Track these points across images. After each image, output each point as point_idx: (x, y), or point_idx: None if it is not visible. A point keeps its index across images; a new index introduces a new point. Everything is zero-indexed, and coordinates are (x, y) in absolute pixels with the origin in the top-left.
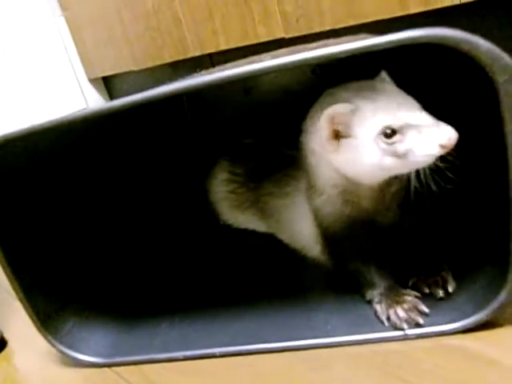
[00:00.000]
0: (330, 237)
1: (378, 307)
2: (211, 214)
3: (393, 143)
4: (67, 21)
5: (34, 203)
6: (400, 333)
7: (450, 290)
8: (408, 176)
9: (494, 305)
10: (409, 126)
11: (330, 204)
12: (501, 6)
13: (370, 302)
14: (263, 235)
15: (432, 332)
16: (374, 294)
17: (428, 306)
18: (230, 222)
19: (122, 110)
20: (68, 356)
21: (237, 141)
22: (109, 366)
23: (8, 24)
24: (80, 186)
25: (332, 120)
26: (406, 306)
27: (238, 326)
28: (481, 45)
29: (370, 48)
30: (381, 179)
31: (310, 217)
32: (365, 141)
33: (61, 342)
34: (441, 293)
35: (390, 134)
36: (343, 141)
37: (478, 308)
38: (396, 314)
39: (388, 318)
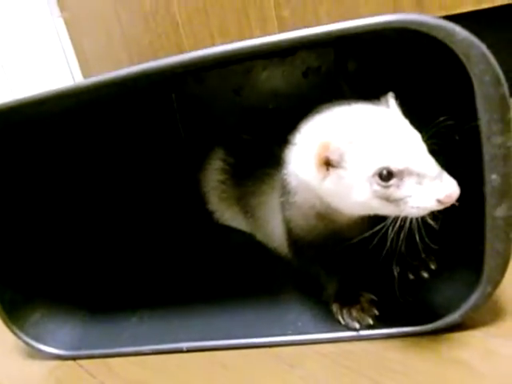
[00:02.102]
0: (296, 242)
1: (333, 307)
2: (197, 210)
3: (387, 187)
4: (65, 22)
5: (4, 195)
6: (370, 332)
7: (433, 267)
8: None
9: (467, 306)
10: (409, 172)
11: (303, 219)
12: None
13: (327, 302)
14: (244, 234)
15: (404, 332)
16: (331, 294)
17: (401, 307)
18: (217, 215)
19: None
20: (33, 348)
21: (234, 134)
22: (74, 358)
23: (6, 24)
24: (59, 179)
25: (325, 148)
26: (358, 306)
27: (208, 322)
28: (457, 32)
29: (345, 31)
30: (364, 214)
31: (281, 218)
32: (357, 177)
33: (27, 334)
34: (425, 274)
35: (386, 176)
36: (333, 170)
37: (451, 309)
38: (349, 313)
39: (343, 318)
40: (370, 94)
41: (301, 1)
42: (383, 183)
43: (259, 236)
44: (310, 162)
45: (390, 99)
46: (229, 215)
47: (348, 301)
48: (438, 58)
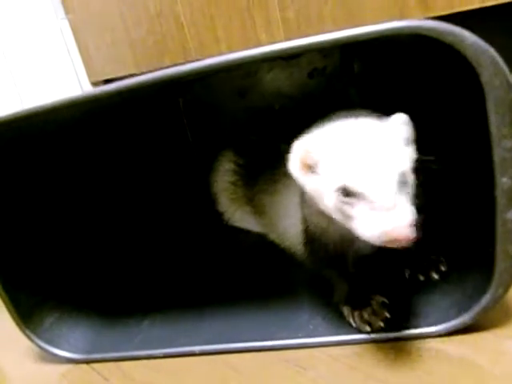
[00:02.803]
0: (311, 242)
1: (344, 309)
2: (206, 213)
3: (345, 203)
4: (70, 23)
5: (16, 199)
6: (382, 335)
7: (443, 269)
8: None
9: (477, 309)
10: (363, 197)
11: (316, 216)
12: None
13: (338, 305)
14: (254, 236)
15: (415, 334)
16: (342, 297)
17: (412, 309)
18: (227, 216)
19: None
20: (46, 351)
21: (242, 135)
22: (87, 362)
23: (11, 26)
24: (71, 184)
25: (303, 153)
26: (370, 309)
27: (219, 325)
28: (466, 37)
29: (354, 38)
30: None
31: (298, 217)
32: (326, 186)
33: (40, 338)
34: (435, 275)
35: (345, 193)
36: (311, 175)
37: (462, 311)
38: (360, 316)
39: (354, 321)
40: (376, 95)
41: (305, 2)
42: (343, 198)
43: (272, 235)
44: (295, 166)
45: (396, 119)
46: (239, 216)
47: (359, 304)
48: (444, 61)
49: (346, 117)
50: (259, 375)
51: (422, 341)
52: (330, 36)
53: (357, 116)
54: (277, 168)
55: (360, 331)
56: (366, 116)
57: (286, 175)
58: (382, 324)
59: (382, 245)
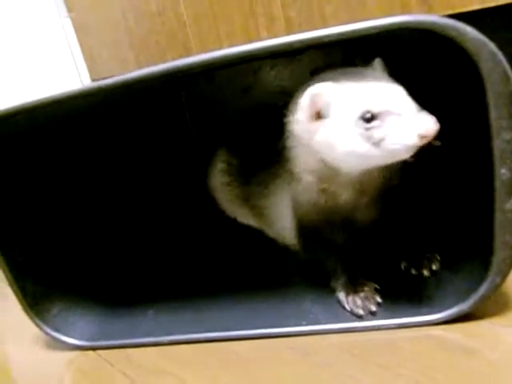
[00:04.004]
0: (303, 227)
1: (339, 295)
2: (208, 206)
3: (370, 128)
4: (73, 22)
5: (25, 188)
6: (382, 322)
7: (434, 268)
8: (390, 170)
9: (476, 297)
10: (389, 113)
11: (307, 192)
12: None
13: (334, 290)
14: (256, 229)
15: (414, 322)
16: (338, 283)
17: (411, 297)
18: (230, 213)
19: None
20: (54, 338)
21: (235, 133)
22: (94, 348)
23: (14, 24)
24: (76, 177)
25: (314, 99)
26: (362, 294)
27: (224, 314)
28: (468, 32)
29: (357, 32)
30: (358, 168)
31: (290, 215)
32: (343, 123)
33: (48, 325)
34: (425, 272)
35: (369, 118)
36: (323, 122)
37: (460, 300)
38: (354, 301)
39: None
40: None
41: (307, 1)
42: (366, 125)
43: (270, 231)
44: (302, 117)
45: (377, 63)
46: (240, 214)
47: (353, 289)
48: (444, 57)
49: (337, 70)
50: (262, 362)
51: (422, 328)
52: (334, 30)
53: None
54: (269, 166)
55: (353, 314)
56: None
57: (278, 171)
58: (373, 308)
59: (416, 147)
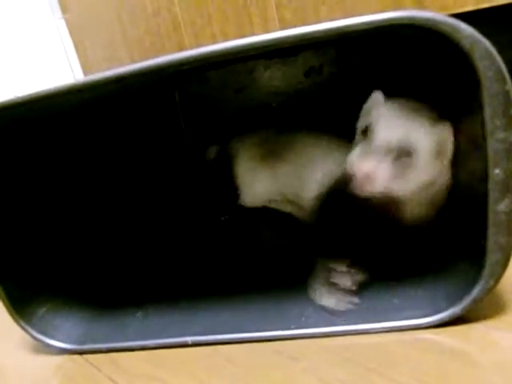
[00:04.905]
0: (327, 204)
1: (318, 289)
2: (198, 207)
3: None
4: (67, 23)
5: (9, 187)
6: (372, 325)
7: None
8: None
9: (468, 300)
10: None
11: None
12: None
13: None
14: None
15: (406, 326)
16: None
17: (403, 300)
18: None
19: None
20: (40, 341)
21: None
22: (80, 352)
23: (8, 25)
24: (64, 176)
25: None
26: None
27: (213, 317)
28: (462, 28)
29: (349, 28)
30: None
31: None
32: None
33: (34, 328)
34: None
35: None
36: None
37: (453, 303)
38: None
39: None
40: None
41: (302, 2)
42: None
43: (290, 196)
44: None
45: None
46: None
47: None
48: (440, 56)
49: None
50: (251, 365)
51: (414, 332)
52: (327, 25)
53: None
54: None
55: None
56: None
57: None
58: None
59: None
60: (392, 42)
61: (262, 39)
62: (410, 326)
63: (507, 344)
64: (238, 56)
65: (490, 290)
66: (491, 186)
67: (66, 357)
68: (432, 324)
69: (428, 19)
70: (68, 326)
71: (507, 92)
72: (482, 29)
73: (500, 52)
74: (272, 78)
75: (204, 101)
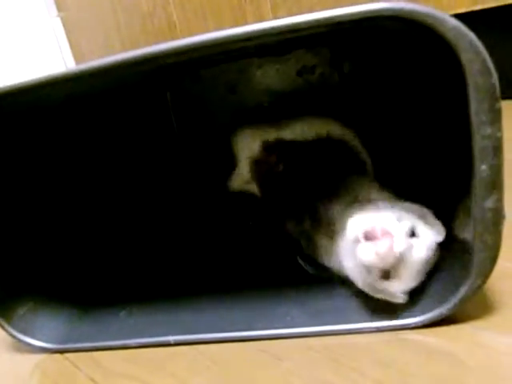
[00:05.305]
0: None
1: None
2: (186, 208)
3: None
4: (63, 22)
5: None
6: (359, 325)
7: None
8: None
9: (455, 300)
10: None
11: None
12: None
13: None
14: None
15: (391, 326)
16: None
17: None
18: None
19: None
20: (20, 341)
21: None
22: (61, 352)
23: (2, 24)
24: (50, 174)
25: None
26: None
27: (196, 316)
28: (447, 20)
29: (332, 20)
30: None
31: None
32: None
33: (14, 327)
34: None
35: None
36: None
37: (439, 303)
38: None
39: None
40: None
41: (297, 1)
42: None
43: None
44: None
45: None
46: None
47: None
48: (432, 55)
49: None
50: (235, 365)
51: (401, 332)
52: (308, 17)
53: None
54: None
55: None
56: None
57: None
58: None
59: None
60: (385, 43)
61: (254, 28)
62: (396, 326)
63: (495, 345)
64: (230, 48)
65: (477, 290)
66: (477, 182)
67: (46, 356)
68: (419, 324)
69: (412, 11)
70: (50, 325)
71: (493, 85)
72: (476, 30)
73: (491, 54)
74: (265, 76)
75: (196, 100)
